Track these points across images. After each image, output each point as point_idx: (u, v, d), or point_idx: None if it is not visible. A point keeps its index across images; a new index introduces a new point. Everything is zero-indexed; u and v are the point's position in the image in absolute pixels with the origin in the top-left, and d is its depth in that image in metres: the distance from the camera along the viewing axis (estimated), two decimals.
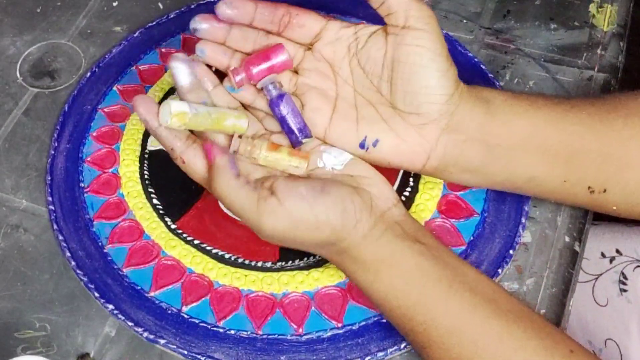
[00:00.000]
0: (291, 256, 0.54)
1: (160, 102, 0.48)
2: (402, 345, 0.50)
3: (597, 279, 0.71)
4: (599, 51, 0.64)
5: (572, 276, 0.54)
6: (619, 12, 0.67)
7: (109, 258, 0.55)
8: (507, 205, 0.56)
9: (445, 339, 0.45)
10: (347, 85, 0.52)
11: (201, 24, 0.50)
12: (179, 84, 0.50)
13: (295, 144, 0.50)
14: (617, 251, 0.71)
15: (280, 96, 0.50)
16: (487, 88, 0.52)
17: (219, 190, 0.47)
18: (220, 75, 0.52)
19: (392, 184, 0.57)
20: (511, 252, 0.54)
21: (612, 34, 0.65)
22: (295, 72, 0.53)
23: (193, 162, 0.49)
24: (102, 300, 0.53)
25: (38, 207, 0.59)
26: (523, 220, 0.55)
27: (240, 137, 0.49)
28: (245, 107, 0.53)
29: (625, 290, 0.70)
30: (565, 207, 0.56)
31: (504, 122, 0.50)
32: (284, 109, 0.50)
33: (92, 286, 0.53)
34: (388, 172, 0.57)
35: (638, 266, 0.70)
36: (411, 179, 0.57)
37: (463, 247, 0.54)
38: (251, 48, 0.52)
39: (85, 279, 0.54)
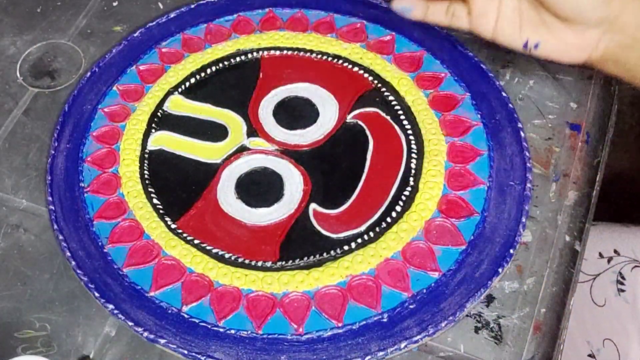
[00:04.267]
0: (291, 255, 0.54)
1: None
2: (402, 345, 0.50)
3: (594, 279, 0.71)
4: None
5: (572, 275, 0.54)
6: None
7: (109, 258, 0.55)
8: (508, 204, 0.56)
9: None
10: None
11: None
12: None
13: None
14: (615, 251, 0.72)
15: None
16: None
17: None
18: None
19: (392, 184, 0.57)
20: (511, 251, 0.53)
21: None
22: None
23: None
24: (102, 300, 0.53)
25: (38, 207, 0.59)
26: (523, 219, 0.55)
27: None
28: None
29: (623, 291, 0.70)
30: (565, 207, 0.57)
31: None
32: None
33: (92, 286, 0.53)
34: (388, 170, 0.58)
35: (636, 266, 0.70)
36: (411, 179, 0.57)
37: (463, 247, 0.54)
38: None
39: (86, 279, 0.54)
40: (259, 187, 0.58)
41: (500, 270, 0.53)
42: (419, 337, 0.50)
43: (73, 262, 0.55)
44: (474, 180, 0.57)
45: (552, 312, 0.52)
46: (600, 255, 0.72)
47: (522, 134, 0.59)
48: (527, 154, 0.58)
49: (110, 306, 0.52)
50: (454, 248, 0.54)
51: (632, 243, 0.72)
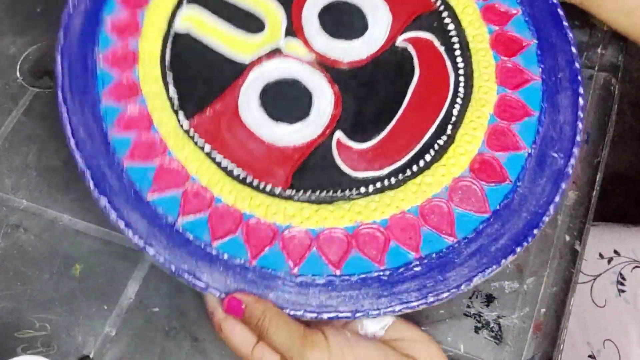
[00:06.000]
0: (303, 185, 0.50)
1: None
2: (397, 309, 0.47)
3: (595, 279, 0.71)
4: (599, 50, 0.64)
5: (572, 275, 0.54)
6: None
7: (111, 146, 0.50)
8: (545, 177, 0.51)
9: None
10: None
11: None
12: None
13: None
14: (615, 252, 0.72)
15: None
16: None
17: (267, 324, 0.45)
18: None
19: (427, 129, 0.52)
20: (535, 231, 0.49)
21: (612, 33, 0.65)
22: None
23: (231, 330, 0.46)
24: (96, 191, 0.48)
25: (38, 207, 0.58)
26: (557, 199, 0.50)
27: None
28: None
29: (623, 291, 0.70)
30: (565, 206, 0.56)
31: None
32: None
33: (88, 172, 0.48)
34: (427, 112, 0.52)
35: (636, 267, 0.70)
36: (450, 127, 0.52)
37: (487, 215, 0.49)
38: None
39: (82, 162, 0.49)
40: (286, 100, 0.52)
41: (518, 249, 0.49)
42: (416, 303, 0.47)
43: (73, 140, 0.49)
44: (516, 143, 0.51)
45: (552, 312, 0.52)
46: (601, 255, 0.72)
47: (580, 100, 0.53)
48: (580, 125, 0.52)
49: (104, 200, 0.48)
50: (475, 215, 0.49)
51: (632, 243, 0.72)
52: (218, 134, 0.50)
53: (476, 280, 0.48)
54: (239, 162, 0.50)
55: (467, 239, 0.48)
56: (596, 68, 0.63)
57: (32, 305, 0.54)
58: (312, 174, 0.50)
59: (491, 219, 0.49)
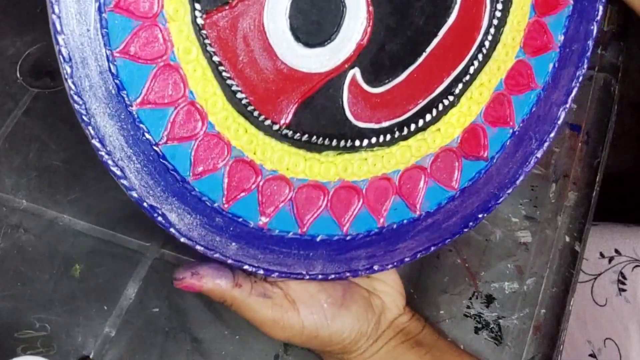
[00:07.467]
0: (302, 127, 0.44)
1: None
2: (345, 276, 0.46)
3: (595, 279, 0.71)
4: (599, 51, 0.64)
5: (572, 276, 0.54)
6: (619, 12, 0.67)
7: (103, 29, 0.38)
8: (515, 159, 0.49)
9: None
10: None
11: None
12: None
13: None
14: (616, 251, 0.72)
15: None
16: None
17: (235, 309, 0.46)
18: None
19: (438, 84, 0.47)
20: (485, 215, 0.49)
21: (612, 34, 0.65)
22: None
23: None
24: (70, 82, 0.37)
25: (38, 207, 0.59)
26: (518, 181, 0.49)
27: None
28: None
29: (624, 290, 0.70)
30: (565, 207, 0.57)
31: None
32: None
33: (65, 51, 0.37)
34: (445, 61, 0.47)
35: (637, 266, 0.70)
36: (460, 85, 0.47)
37: (454, 192, 0.48)
38: None
39: (62, 44, 0.38)
40: (317, 14, 0.43)
41: (465, 230, 0.48)
42: (362, 272, 0.47)
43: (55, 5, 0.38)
44: (507, 117, 0.48)
45: (552, 313, 0.52)
46: (601, 255, 0.72)
47: (576, 84, 0.50)
48: (564, 111, 0.49)
49: (76, 98, 0.38)
50: (444, 190, 0.48)
51: (633, 243, 0.72)
52: (232, 39, 0.41)
53: (419, 256, 0.48)
54: (246, 83, 0.42)
55: (428, 212, 0.48)
56: (596, 69, 0.63)
57: (32, 305, 0.54)
58: (315, 113, 0.45)
59: (455, 196, 0.48)
